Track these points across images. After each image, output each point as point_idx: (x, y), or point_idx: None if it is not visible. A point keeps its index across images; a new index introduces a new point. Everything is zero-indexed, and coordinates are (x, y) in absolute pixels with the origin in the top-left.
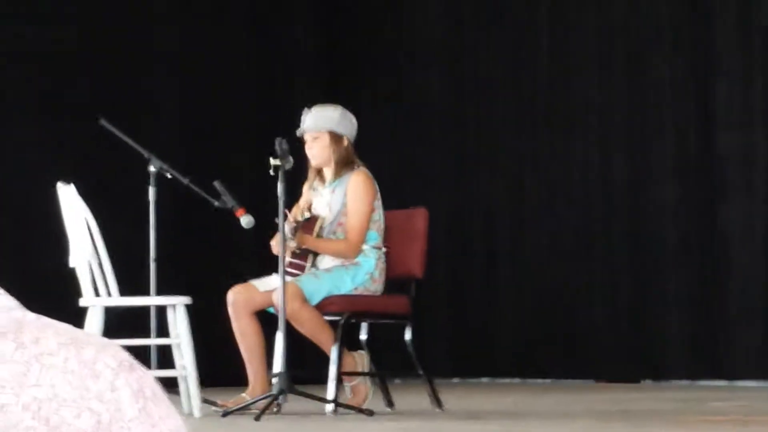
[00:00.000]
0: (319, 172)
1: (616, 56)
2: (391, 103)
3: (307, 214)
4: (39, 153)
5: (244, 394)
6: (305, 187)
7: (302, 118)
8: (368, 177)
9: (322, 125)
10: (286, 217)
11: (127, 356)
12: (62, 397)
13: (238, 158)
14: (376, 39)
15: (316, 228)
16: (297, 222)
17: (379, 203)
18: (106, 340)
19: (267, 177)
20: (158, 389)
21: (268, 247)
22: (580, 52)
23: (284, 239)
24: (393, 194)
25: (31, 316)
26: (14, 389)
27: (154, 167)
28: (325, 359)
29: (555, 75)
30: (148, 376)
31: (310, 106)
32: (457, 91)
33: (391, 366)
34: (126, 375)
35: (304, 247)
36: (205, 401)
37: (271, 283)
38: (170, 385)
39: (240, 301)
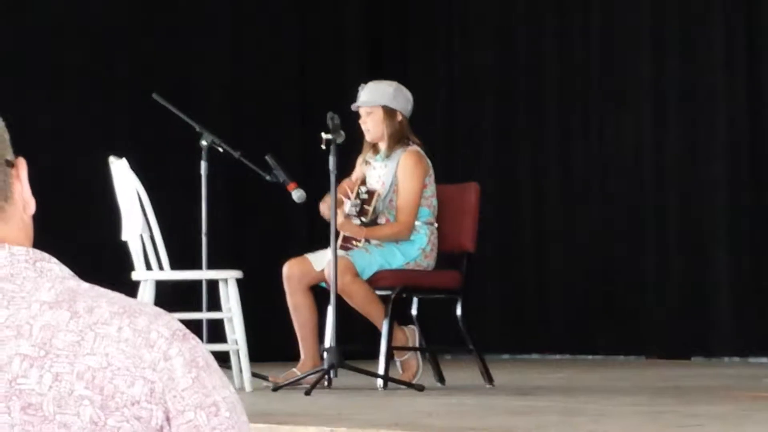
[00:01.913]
0: (374, 146)
1: (668, 30)
2: (441, 78)
3: (364, 189)
4: (91, 128)
5: (294, 369)
6: (358, 161)
7: (358, 92)
8: (419, 155)
9: (376, 100)
10: (338, 187)
11: (180, 326)
12: (116, 366)
13: (290, 132)
14: (426, 13)
15: (374, 202)
16: (362, 199)
17: (430, 179)
18: (159, 309)
19: (318, 151)
20: (211, 359)
21: (321, 219)
22: (631, 26)
23: (337, 214)
24: (445, 169)
25: (85, 285)
26: (69, 358)
27: (206, 141)
28: (376, 334)
29: (606, 49)
30: (201, 346)
31: (366, 81)
32: (508, 65)
33: (441, 341)
34: (179, 344)
35: (360, 238)
36: (255, 375)
37: (325, 257)
38: (221, 360)
39: (295, 275)
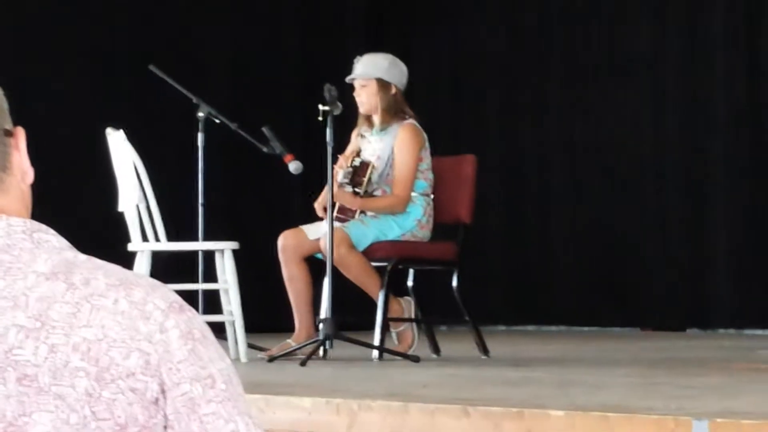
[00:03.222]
0: (369, 119)
1: (670, 5)
2: (444, 51)
3: (357, 161)
4: (88, 99)
5: (289, 340)
6: (353, 134)
7: (354, 65)
8: (415, 128)
9: (370, 72)
10: (336, 160)
11: (176, 298)
12: (112, 338)
13: (287, 104)
14: None
15: (367, 174)
16: (353, 167)
17: (426, 153)
18: (155, 281)
19: (315, 123)
20: (207, 331)
21: (317, 191)
22: (631, 7)
23: (333, 185)
24: (447, 142)
25: (82, 257)
26: (64, 330)
27: (203, 113)
28: (372, 305)
29: (610, 23)
30: (198, 318)
31: (362, 54)
32: (511, 39)
33: (437, 312)
34: (175, 316)
35: (354, 208)
36: (251, 347)
37: (320, 229)
38: (217, 331)
39: (290, 246)
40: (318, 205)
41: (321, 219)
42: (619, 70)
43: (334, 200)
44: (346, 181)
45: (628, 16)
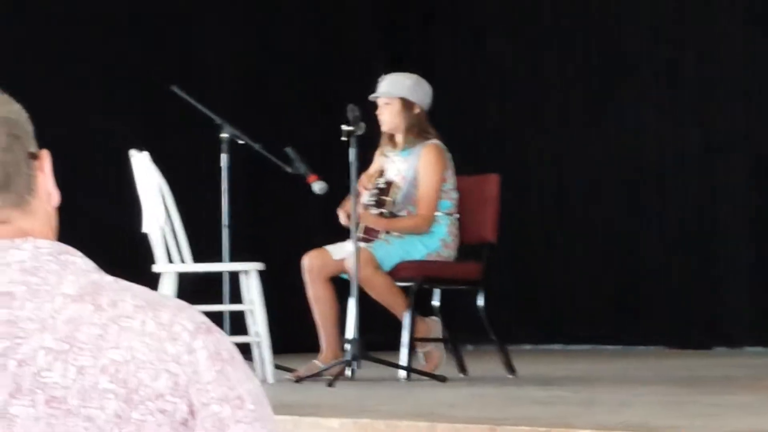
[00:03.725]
0: (392, 138)
1: (685, 16)
2: (466, 70)
3: (382, 181)
4: (112, 121)
5: (316, 361)
6: (377, 154)
7: (378, 83)
8: (439, 149)
9: (394, 91)
10: (358, 179)
11: (204, 318)
12: (140, 360)
13: (310, 125)
14: (451, 3)
15: (391, 193)
16: (377, 188)
17: (450, 173)
18: (182, 302)
19: (337, 143)
20: (235, 351)
21: (337, 217)
22: (657, 14)
23: (355, 203)
24: (467, 159)
25: (109, 278)
26: (92, 351)
27: (227, 134)
28: (398, 325)
29: (632, 40)
30: (226, 339)
31: (385, 73)
32: (531, 56)
33: (463, 332)
34: (203, 337)
35: (379, 228)
36: (278, 367)
37: (344, 248)
38: (243, 352)
39: (315, 266)
40: (341, 212)
41: (344, 228)
42: (644, 84)
43: (360, 222)
44: (372, 202)
45: (652, 29)
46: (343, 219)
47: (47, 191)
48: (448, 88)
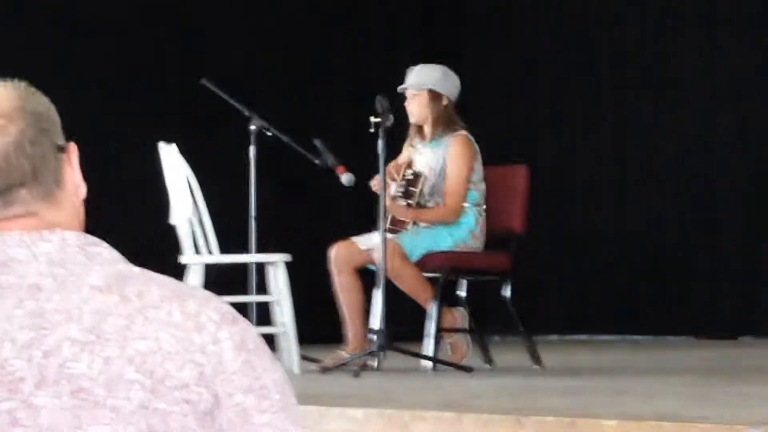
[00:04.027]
0: (420, 130)
1: (719, 20)
2: (494, 61)
3: (410, 172)
4: (141, 113)
5: (341, 351)
6: (405, 145)
7: (406, 75)
8: (467, 141)
9: (422, 83)
10: (386, 170)
11: (229, 309)
12: (166, 350)
13: (338, 116)
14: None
15: (420, 185)
16: (407, 180)
17: (478, 164)
18: (208, 293)
19: (367, 135)
20: (261, 342)
21: (369, 202)
22: (683, 16)
23: (385, 197)
24: (498, 150)
25: (135, 269)
26: (119, 342)
27: (255, 126)
28: (424, 316)
29: (659, 36)
30: (251, 329)
31: (414, 64)
32: (561, 48)
33: (490, 323)
34: (229, 327)
35: (407, 219)
36: (304, 358)
37: (371, 240)
38: (269, 343)
39: (342, 257)
40: (374, 181)
41: (372, 220)
42: (671, 82)
43: (387, 212)
44: (399, 193)
45: (679, 28)
46: (375, 186)
47: (75, 184)
48: (476, 78)
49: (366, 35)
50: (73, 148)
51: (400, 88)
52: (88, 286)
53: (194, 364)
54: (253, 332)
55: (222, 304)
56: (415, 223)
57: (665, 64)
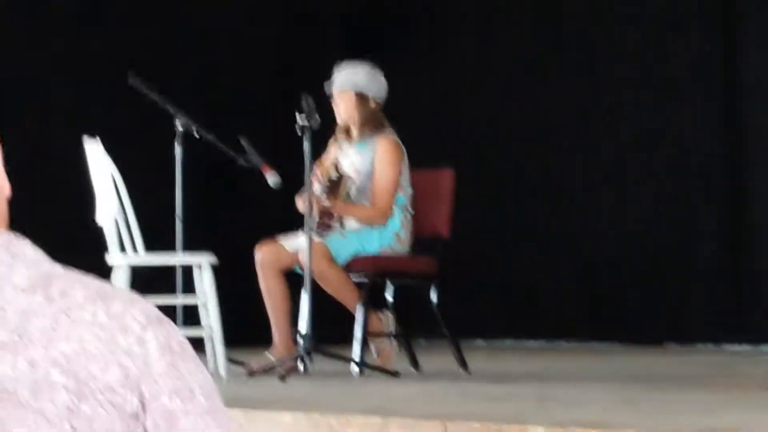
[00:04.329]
0: (347, 131)
1: (646, 18)
2: (424, 63)
3: (335, 174)
4: (65, 107)
5: (267, 353)
6: (331, 141)
7: (333, 73)
8: (395, 143)
9: (348, 83)
10: (313, 169)
11: (155, 311)
12: (90, 352)
13: (265, 115)
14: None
15: (344, 187)
16: (331, 180)
17: (406, 168)
18: (134, 294)
19: (293, 134)
20: (186, 344)
21: (295, 205)
22: (608, 13)
23: (310, 197)
24: (426, 154)
25: (60, 269)
26: (43, 343)
27: (181, 123)
28: (351, 319)
29: (585, 36)
30: (177, 331)
31: (341, 61)
32: (490, 51)
33: (416, 327)
34: (154, 329)
35: (333, 211)
36: (231, 361)
37: (298, 241)
38: (196, 345)
39: (268, 259)
40: (299, 199)
41: (299, 220)
42: (603, 80)
43: (314, 205)
44: (322, 195)
45: (608, 25)
46: (301, 206)
47: None
48: (403, 79)
49: (292, 29)
50: None
51: (326, 90)
52: (11, 285)
53: (119, 366)
54: (178, 334)
55: (147, 305)
56: (341, 224)
57: (593, 62)
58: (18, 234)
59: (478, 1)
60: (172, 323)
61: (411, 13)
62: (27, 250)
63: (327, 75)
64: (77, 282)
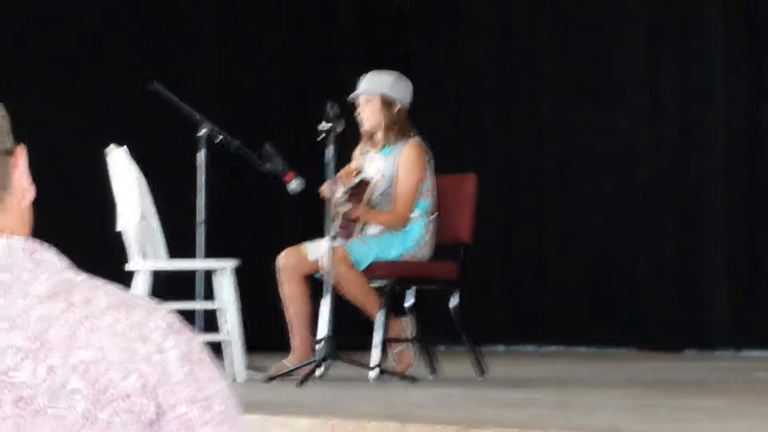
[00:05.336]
0: (371, 137)
1: (664, 27)
2: (442, 70)
3: (357, 179)
4: (89, 116)
5: (286, 361)
6: (356, 152)
7: (358, 83)
8: (420, 148)
9: (374, 88)
10: (334, 176)
11: (175, 318)
12: (110, 359)
13: (288, 122)
14: (429, 4)
15: (367, 192)
16: (353, 185)
17: (430, 172)
18: (154, 302)
19: (311, 143)
20: (205, 352)
21: (317, 209)
22: (628, 24)
23: (334, 203)
24: (446, 159)
25: (82, 277)
26: (63, 350)
27: (204, 130)
28: (370, 325)
29: (603, 44)
30: (196, 340)
31: (359, 74)
32: (509, 59)
33: (436, 332)
34: (174, 337)
35: (354, 215)
36: (249, 366)
37: (320, 247)
38: (215, 350)
39: (290, 265)
40: (325, 187)
41: (320, 226)
42: (616, 91)
43: (335, 210)
44: (342, 200)
45: (624, 37)
46: (326, 191)
47: (22, 187)
48: (427, 85)
49: (317, 42)
50: (21, 151)
51: (351, 96)
52: (34, 292)
53: (138, 374)
54: (197, 342)
55: (168, 313)
56: (363, 229)
57: (610, 72)
58: (41, 242)
59: (498, 6)
60: (192, 331)
61: (431, 18)
62: (50, 257)
63: (350, 84)
64: (99, 290)
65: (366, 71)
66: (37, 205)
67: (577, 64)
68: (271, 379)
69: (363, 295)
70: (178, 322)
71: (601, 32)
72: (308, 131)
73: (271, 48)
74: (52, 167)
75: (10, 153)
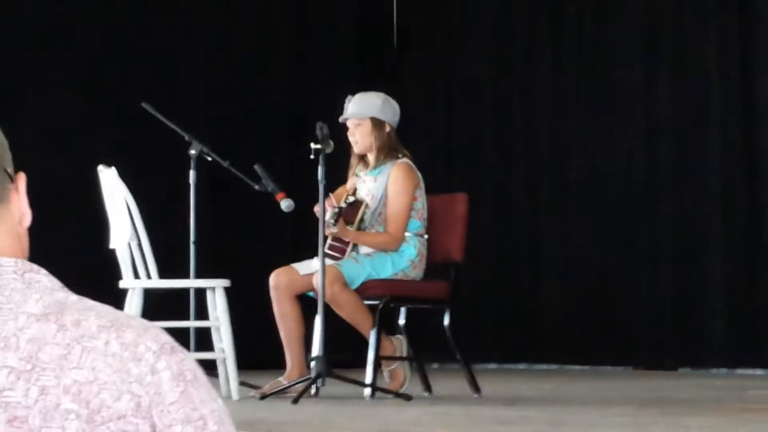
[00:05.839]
0: (363, 159)
1: (661, 43)
2: (436, 89)
3: (350, 199)
4: (80, 136)
5: (281, 378)
6: (350, 174)
7: (345, 104)
8: (409, 167)
9: (364, 111)
10: (327, 196)
11: (168, 339)
12: (103, 380)
13: (278, 143)
14: (423, 24)
15: (360, 213)
16: (340, 207)
17: (421, 192)
18: (147, 322)
19: (307, 162)
20: (199, 372)
21: (308, 229)
22: (624, 40)
23: (324, 223)
24: (439, 177)
25: (74, 297)
26: (55, 371)
27: (195, 150)
28: (364, 343)
29: (599, 60)
30: (190, 359)
31: (356, 92)
32: (503, 78)
33: (430, 351)
34: (167, 358)
35: (345, 239)
36: (243, 384)
37: (312, 266)
38: (208, 368)
39: (282, 284)
40: (317, 207)
41: (312, 246)
42: (611, 107)
43: (327, 235)
44: (332, 221)
45: (620, 52)
46: (317, 210)
47: (20, 211)
48: (417, 106)
49: (306, 60)
50: (21, 177)
51: (341, 119)
52: (25, 313)
53: (131, 395)
54: (191, 362)
55: (161, 333)
56: (354, 249)
57: (604, 88)
58: (33, 264)
59: (493, 24)
60: (185, 351)
61: (421, 39)
62: (42, 278)
63: (338, 105)
64: (91, 310)
65: (364, 90)
66: (33, 224)
67: (571, 82)
68: (266, 396)
69: (356, 314)
70: (170, 342)
71: (596, 49)
72: (305, 151)
73: (270, 68)
74: (46, 186)
75: (11, 179)
